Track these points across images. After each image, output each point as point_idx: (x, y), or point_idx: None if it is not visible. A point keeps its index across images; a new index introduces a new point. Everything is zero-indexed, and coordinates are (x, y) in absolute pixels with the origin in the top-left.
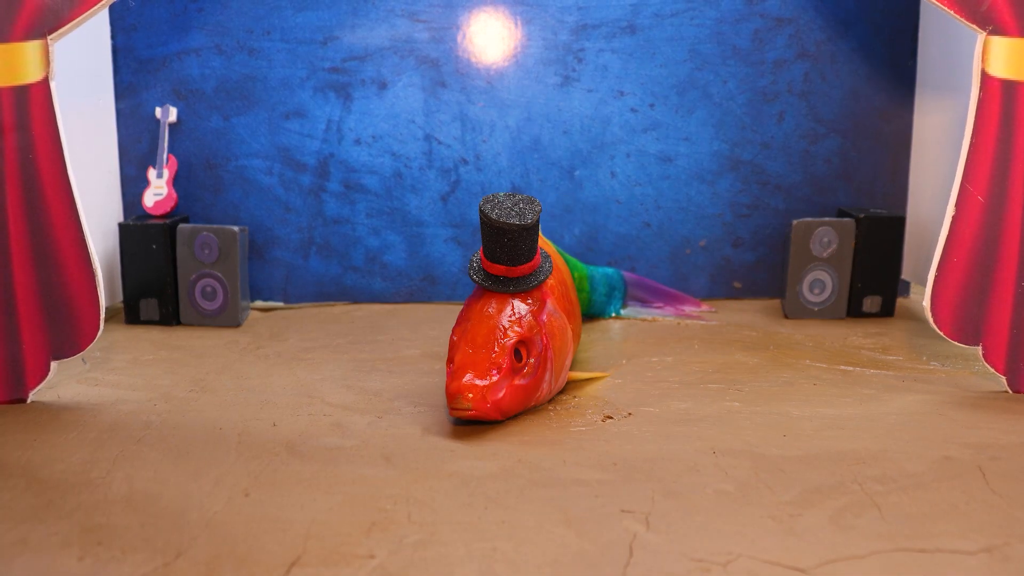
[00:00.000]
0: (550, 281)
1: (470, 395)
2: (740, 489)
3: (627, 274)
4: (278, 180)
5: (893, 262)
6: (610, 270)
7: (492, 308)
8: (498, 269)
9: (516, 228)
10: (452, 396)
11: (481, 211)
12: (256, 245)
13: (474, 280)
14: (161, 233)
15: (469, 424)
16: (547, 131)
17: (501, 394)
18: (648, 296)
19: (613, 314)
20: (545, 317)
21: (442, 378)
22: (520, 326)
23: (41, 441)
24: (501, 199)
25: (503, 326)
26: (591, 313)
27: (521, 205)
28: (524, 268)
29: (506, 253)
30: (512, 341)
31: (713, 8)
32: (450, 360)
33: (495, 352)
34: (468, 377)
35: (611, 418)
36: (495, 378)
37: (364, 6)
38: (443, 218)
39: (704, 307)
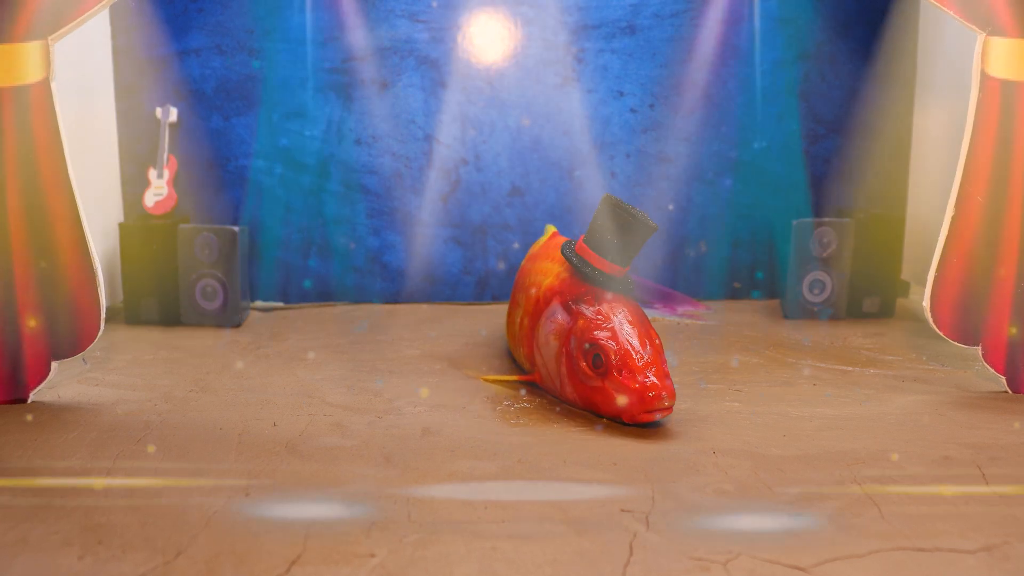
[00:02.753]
0: None
1: (669, 394)
2: (740, 489)
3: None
4: (278, 180)
5: (892, 262)
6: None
7: (635, 313)
8: (620, 270)
9: (653, 229)
10: (658, 398)
11: (630, 213)
12: (256, 245)
13: (601, 283)
14: (161, 233)
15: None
16: (547, 131)
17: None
18: (648, 296)
19: None
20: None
21: (442, 379)
22: (654, 327)
23: (41, 441)
24: (624, 203)
25: (649, 329)
26: None
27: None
28: (625, 269)
29: (629, 252)
30: (659, 342)
31: (713, 8)
32: (620, 367)
33: (660, 354)
34: (662, 378)
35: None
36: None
37: (364, 6)
38: (443, 218)
39: (702, 307)
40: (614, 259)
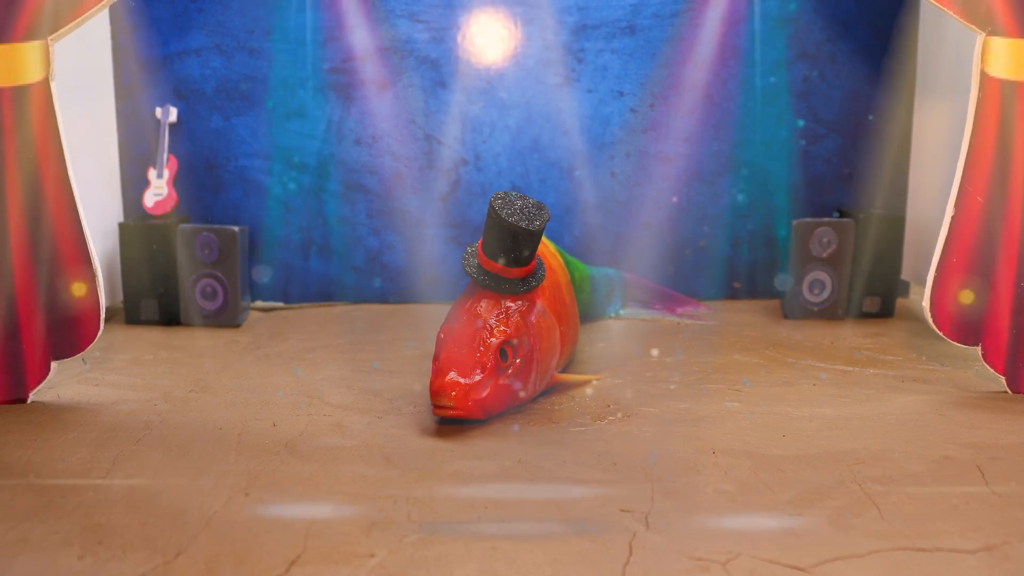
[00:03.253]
0: (546, 284)
1: (453, 393)
2: (740, 489)
3: (627, 275)
4: (278, 180)
5: (892, 262)
6: (610, 271)
7: (482, 306)
8: (495, 267)
9: (522, 231)
10: (435, 394)
11: (491, 206)
12: (256, 245)
13: (467, 273)
14: (161, 233)
15: (454, 423)
16: (547, 131)
17: (485, 393)
18: (647, 297)
19: (612, 315)
20: (534, 318)
21: None
22: (507, 326)
23: (41, 441)
24: (513, 199)
25: (490, 325)
26: (592, 314)
27: (531, 209)
28: (520, 271)
29: (506, 253)
30: (498, 340)
31: (713, 8)
32: (436, 357)
33: (480, 351)
34: (452, 375)
35: (609, 417)
36: (478, 377)
37: (364, 6)
38: (443, 218)
39: (702, 307)
40: (500, 260)
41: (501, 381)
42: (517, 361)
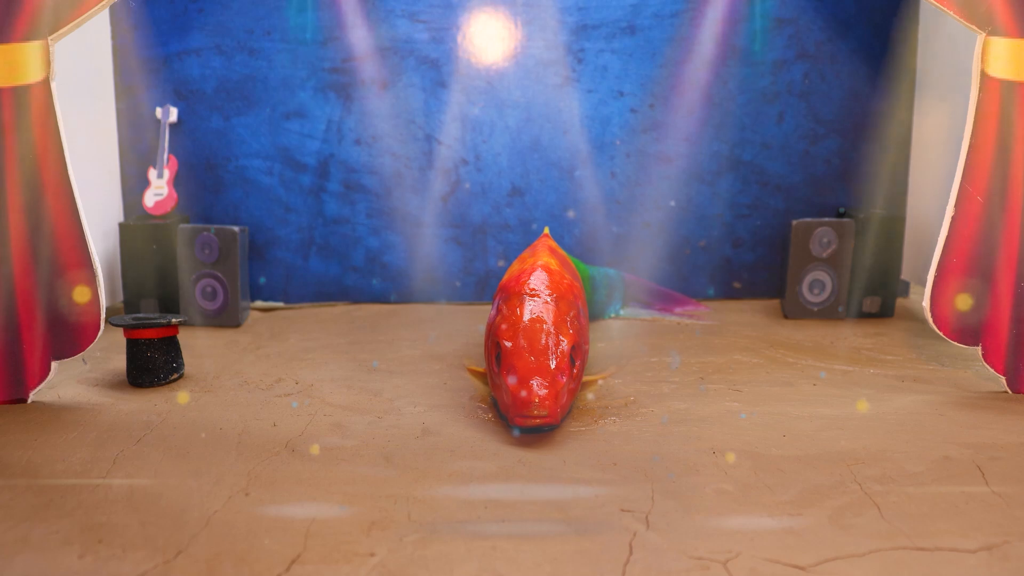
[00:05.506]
0: (576, 283)
1: (540, 402)
2: (740, 489)
3: (627, 275)
4: (278, 180)
5: (893, 262)
6: (611, 271)
7: (542, 312)
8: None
9: None
10: (526, 405)
11: None
12: (256, 245)
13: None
14: (161, 233)
15: (533, 431)
16: (547, 131)
17: (565, 399)
18: (647, 297)
19: (612, 315)
20: (581, 320)
21: (442, 378)
22: (572, 330)
23: (41, 441)
24: None
25: (556, 331)
26: (591, 313)
27: None
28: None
29: None
30: (567, 347)
31: (713, 8)
32: (508, 368)
33: (556, 358)
34: (536, 385)
35: (609, 418)
36: (562, 382)
37: (364, 6)
38: (443, 218)
39: (702, 307)
40: None
41: (570, 385)
42: (577, 363)
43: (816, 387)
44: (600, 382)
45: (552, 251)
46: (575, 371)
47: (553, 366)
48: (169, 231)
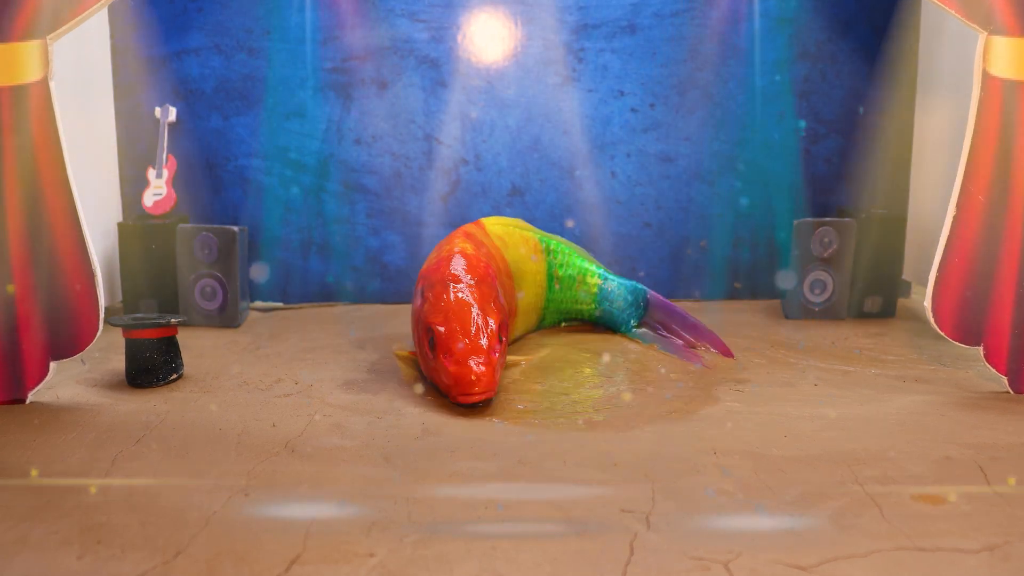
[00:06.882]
0: (493, 262)
1: (483, 379)
2: (741, 489)
3: (652, 295)
4: (278, 180)
5: (894, 262)
6: (636, 286)
7: (468, 296)
8: None
9: None
10: (466, 383)
11: None
12: (256, 245)
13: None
14: (160, 233)
15: (474, 406)
16: (547, 131)
17: (497, 373)
18: (669, 323)
19: (624, 331)
20: (502, 298)
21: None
22: (496, 309)
23: (41, 441)
24: None
25: (483, 312)
26: (605, 322)
27: None
28: None
29: None
30: (496, 326)
31: (713, 8)
32: (444, 351)
33: (487, 337)
34: (475, 364)
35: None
36: (495, 357)
37: (364, 6)
38: (443, 218)
39: (728, 354)
40: None
41: (503, 360)
42: (504, 338)
43: (817, 387)
44: (523, 363)
45: (468, 235)
46: (503, 345)
47: (485, 345)
48: (168, 231)
